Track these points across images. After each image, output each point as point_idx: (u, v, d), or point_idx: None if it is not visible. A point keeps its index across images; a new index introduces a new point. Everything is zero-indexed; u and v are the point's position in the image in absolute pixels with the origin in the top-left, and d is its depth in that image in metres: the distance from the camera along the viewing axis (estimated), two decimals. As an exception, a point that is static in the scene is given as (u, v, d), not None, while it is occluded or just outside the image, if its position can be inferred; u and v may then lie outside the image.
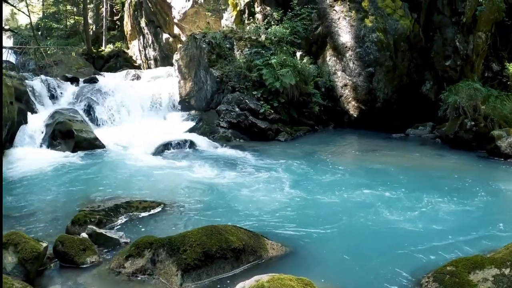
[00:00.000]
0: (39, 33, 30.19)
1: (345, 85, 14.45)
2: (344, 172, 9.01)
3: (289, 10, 15.26)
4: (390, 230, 5.98)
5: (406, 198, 7.33)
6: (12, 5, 24.27)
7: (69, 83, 16.30)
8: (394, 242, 5.58)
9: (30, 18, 22.95)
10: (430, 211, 6.71)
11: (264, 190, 7.73)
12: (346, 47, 14.20)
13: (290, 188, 7.83)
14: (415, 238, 5.69)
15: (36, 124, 12.34)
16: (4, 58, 18.96)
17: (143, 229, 5.91)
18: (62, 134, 11.52)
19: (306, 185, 8.00)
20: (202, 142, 11.78)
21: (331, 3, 14.50)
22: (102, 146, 11.45)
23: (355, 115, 14.44)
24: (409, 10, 13.77)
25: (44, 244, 4.72)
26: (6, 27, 30.47)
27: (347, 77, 14.34)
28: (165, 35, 23.38)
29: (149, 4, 23.47)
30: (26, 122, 12.16)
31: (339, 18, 14.34)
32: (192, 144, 11.47)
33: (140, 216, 6.37)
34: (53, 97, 14.98)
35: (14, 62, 20.04)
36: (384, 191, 7.65)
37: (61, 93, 15.34)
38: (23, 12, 24.63)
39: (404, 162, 9.95)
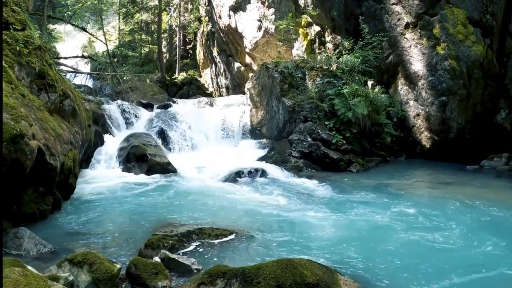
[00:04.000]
0: (115, 60, 31.54)
1: (418, 114, 14.13)
2: (418, 206, 8.66)
3: (360, 39, 15.10)
4: (466, 270, 5.67)
5: (480, 236, 6.95)
6: (91, 34, 25.55)
7: (143, 108, 16.80)
8: (471, 284, 5.29)
9: (107, 46, 24.06)
10: (509, 252, 6.29)
11: (337, 223, 7.58)
12: (418, 75, 13.94)
13: (362, 222, 7.62)
14: (494, 279, 5.42)
15: (111, 146, 12.78)
16: (82, 82, 19.87)
17: (214, 257, 5.87)
18: (136, 157, 11.84)
19: (379, 219, 7.78)
20: (274, 171, 11.75)
21: (402, 31, 14.32)
22: (174, 170, 11.63)
23: (428, 146, 14.09)
24: (481, 36, 13.32)
25: (118, 266, 4.78)
26: (85, 53, 32.04)
27: (420, 106, 14.03)
28: (237, 64, 23.73)
29: (221, 34, 23.95)
30: (102, 144, 12.58)
31: (410, 46, 14.12)
32: (264, 173, 11.44)
33: (212, 243, 6.31)
34: (128, 121, 15.48)
35: (91, 87, 20.93)
36: (459, 229, 7.29)
37: (136, 117, 15.82)
38: (100, 40, 25.87)
39: (479, 197, 9.44)
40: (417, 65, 13.93)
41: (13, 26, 8.30)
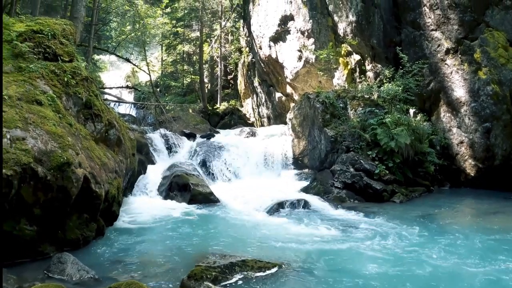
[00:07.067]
0: (158, 90, 32.14)
1: (461, 142, 13.83)
2: (466, 240, 8.36)
3: (400, 67, 14.94)
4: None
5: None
6: (134, 64, 26.13)
7: (186, 138, 16.99)
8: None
9: (150, 76, 24.51)
10: None
11: (381, 256, 7.42)
12: (461, 102, 13.69)
13: (407, 256, 7.40)
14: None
15: (154, 175, 12.90)
16: (126, 111, 20.28)
17: (257, 290, 5.74)
18: (178, 187, 11.93)
19: (425, 254, 7.51)
20: (316, 202, 11.62)
21: (442, 57, 14.16)
22: (216, 200, 11.64)
23: (472, 174, 13.73)
24: (523, 58, 13.04)
25: (160, 297, 4.71)
26: (128, 83, 32.81)
27: (463, 133, 13.73)
28: (278, 94, 23.78)
29: (262, 64, 24.11)
30: (145, 173, 12.69)
31: (451, 72, 13.91)
32: (306, 204, 11.31)
33: (255, 276, 6.24)
34: (171, 150, 15.66)
35: (135, 116, 21.30)
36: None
37: (179, 147, 15.98)
38: (143, 71, 26.39)
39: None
40: (459, 91, 13.70)
41: (61, 57, 8.58)
